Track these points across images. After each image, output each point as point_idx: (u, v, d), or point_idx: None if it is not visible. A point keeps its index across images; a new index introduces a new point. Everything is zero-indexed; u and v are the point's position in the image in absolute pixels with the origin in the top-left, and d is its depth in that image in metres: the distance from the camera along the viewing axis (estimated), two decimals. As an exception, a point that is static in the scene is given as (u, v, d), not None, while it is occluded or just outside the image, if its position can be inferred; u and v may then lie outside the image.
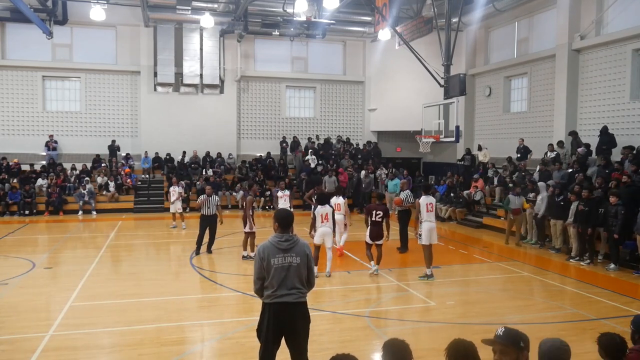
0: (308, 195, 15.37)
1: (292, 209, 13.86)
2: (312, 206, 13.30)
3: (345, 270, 11.12)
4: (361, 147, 25.47)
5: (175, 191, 16.65)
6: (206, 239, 12.65)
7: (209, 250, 12.81)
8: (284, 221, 4.90)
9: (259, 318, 4.87)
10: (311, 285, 4.95)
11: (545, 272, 11.21)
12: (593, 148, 15.52)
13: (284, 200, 13.82)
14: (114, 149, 22.56)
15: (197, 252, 12.59)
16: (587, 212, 11.68)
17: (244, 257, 12.02)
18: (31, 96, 22.54)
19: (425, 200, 10.25)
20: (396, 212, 13.96)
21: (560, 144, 16.64)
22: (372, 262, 10.54)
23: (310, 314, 4.93)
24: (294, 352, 4.83)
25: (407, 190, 13.17)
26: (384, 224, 10.47)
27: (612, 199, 11.30)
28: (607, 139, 15.05)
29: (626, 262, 11.36)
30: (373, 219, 10.35)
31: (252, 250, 11.86)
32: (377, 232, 10.41)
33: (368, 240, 10.55)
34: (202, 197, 12.99)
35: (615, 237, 11.19)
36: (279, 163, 23.76)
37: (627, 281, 10.46)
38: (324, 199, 10.64)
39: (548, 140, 17.72)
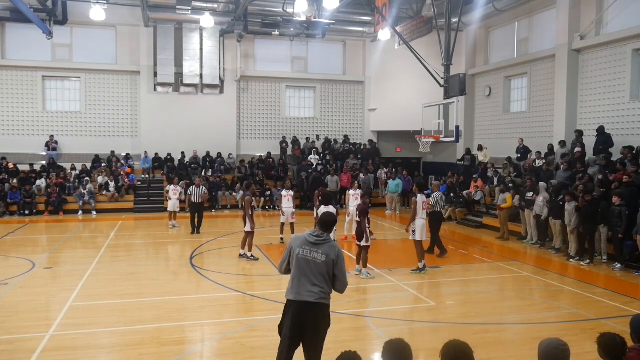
0: (315, 198, 15.12)
1: (294, 209, 13.97)
2: (315, 207, 13.32)
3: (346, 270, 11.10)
4: (361, 147, 25.47)
5: (177, 190, 16.73)
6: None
7: (197, 231, 15.45)
8: (322, 223, 5.00)
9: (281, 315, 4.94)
10: (341, 285, 4.85)
11: (545, 272, 11.21)
12: (590, 148, 15.51)
13: (287, 199, 13.85)
14: (111, 159, 22.53)
15: (192, 232, 15.47)
16: (587, 213, 11.69)
17: (240, 255, 12.05)
18: (31, 96, 22.53)
19: (421, 199, 10.72)
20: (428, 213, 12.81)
21: (562, 143, 16.64)
22: (358, 266, 10.56)
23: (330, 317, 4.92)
24: (309, 351, 4.82)
25: (439, 192, 12.56)
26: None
27: (615, 199, 11.31)
28: (604, 138, 15.05)
29: (626, 262, 11.37)
30: (356, 219, 10.51)
31: (250, 250, 11.91)
32: (358, 233, 10.43)
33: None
34: (191, 188, 15.82)
35: (620, 237, 11.22)
36: (279, 163, 23.76)
37: (627, 281, 10.46)
38: (328, 200, 10.93)
39: (548, 140, 17.73)
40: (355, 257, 10.85)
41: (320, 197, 12.19)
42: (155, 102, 23.41)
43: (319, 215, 5.28)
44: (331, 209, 10.48)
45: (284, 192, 14.06)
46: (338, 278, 4.82)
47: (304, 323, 4.73)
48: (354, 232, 13.92)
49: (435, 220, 12.34)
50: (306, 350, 4.84)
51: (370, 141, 25.73)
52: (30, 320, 7.68)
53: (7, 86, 22.23)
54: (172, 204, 16.61)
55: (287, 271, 4.94)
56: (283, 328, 4.85)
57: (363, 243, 10.28)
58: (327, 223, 4.98)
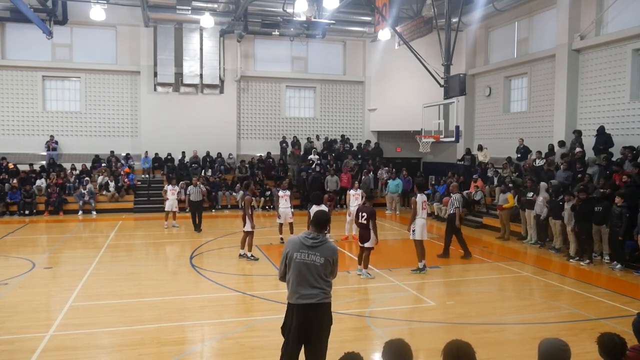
0: (324, 201, 14.75)
1: (292, 209, 13.99)
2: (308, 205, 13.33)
3: (346, 270, 11.11)
4: (361, 147, 25.48)
5: (175, 190, 16.75)
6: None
7: (198, 230, 15.76)
8: (316, 221, 4.97)
9: (284, 316, 4.96)
10: (333, 276, 5.03)
11: (545, 272, 11.21)
12: (589, 148, 15.50)
13: (284, 200, 13.85)
14: (110, 159, 22.55)
15: (195, 229, 15.78)
16: (583, 212, 11.72)
17: (240, 255, 12.05)
18: (31, 96, 22.53)
19: (421, 199, 10.65)
20: (446, 216, 13.00)
21: (562, 143, 16.65)
22: (360, 266, 10.56)
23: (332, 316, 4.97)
24: (313, 352, 4.83)
25: (457, 194, 12.43)
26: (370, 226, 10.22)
27: (618, 200, 11.32)
28: (604, 138, 15.05)
29: (626, 261, 11.37)
30: (359, 221, 10.35)
31: (250, 250, 11.91)
32: (362, 235, 10.36)
33: (359, 242, 10.58)
34: (190, 187, 16.22)
35: (619, 239, 11.22)
36: (279, 163, 23.76)
37: (627, 281, 10.46)
38: (319, 199, 11.04)
39: (548, 140, 17.73)
40: (357, 258, 10.83)
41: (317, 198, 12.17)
42: (155, 102, 23.41)
43: (312, 214, 5.25)
44: (323, 207, 10.50)
45: (280, 193, 14.05)
46: (331, 272, 4.99)
47: (308, 324, 4.75)
48: (354, 232, 14.00)
49: (451, 221, 12.23)
50: (310, 351, 4.84)
51: (368, 141, 25.75)
52: (30, 320, 7.68)
53: (7, 86, 22.23)
54: (170, 204, 16.61)
55: (285, 279, 4.96)
56: (286, 330, 4.86)
57: (367, 245, 10.27)
58: (321, 222, 4.96)
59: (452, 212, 12.22)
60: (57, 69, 22.77)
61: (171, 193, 16.69)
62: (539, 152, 17.32)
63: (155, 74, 23.25)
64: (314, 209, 10.45)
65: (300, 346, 4.86)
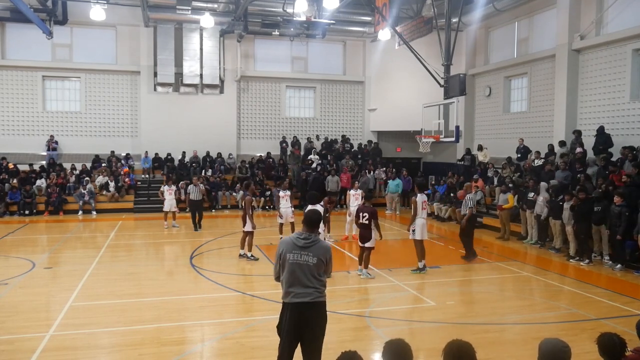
0: (325, 203, 14.68)
1: (292, 209, 13.99)
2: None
3: (346, 270, 11.12)
4: (361, 147, 25.48)
5: (172, 190, 16.76)
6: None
7: (199, 227, 16.04)
8: (307, 220, 4.97)
9: (279, 315, 4.96)
10: (327, 275, 5.00)
11: (545, 272, 11.21)
12: (589, 148, 15.50)
13: (285, 200, 13.86)
14: (110, 159, 22.55)
15: (195, 229, 15.97)
16: (582, 212, 11.73)
17: (240, 255, 12.06)
18: (31, 96, 22.53)
19: (421, 199, 10.64)
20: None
21: (562, 143, 16.64)
22: (360, 267, 10.56)
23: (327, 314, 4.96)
24: (309, 350, 4.84)
25: (471, 194, 12.29)
26: (372, 226, 10.21)
27: (617, 199, 11.32)
28: (603, 138, 15.05)
29: (627, 262, 11.37)
30: (360, 221, 10.33)
31: (250, 250, 11.91)
32: (363, 235, 10.34)
33: (359, 242, 10.58)
34: (190, 187, 16.51)
35: (618, 238, 11.23)
36: (279, 163, 23.77)
37: (627, 281, 10.46)
38: (315, 199, 11.01)
39: (548, 140, 17.73)
40: (357, 258, 10.83)
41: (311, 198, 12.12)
42: (155, 102, 23.41)
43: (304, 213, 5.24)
44: (318, 207, 10.49)
45: (281, 193, 14.06)
46: (325, 271, 4.97)
47: (302, 323, 4.77)
48: (354, 232, 13.99)
49: (467, 221, 12.10)
50: (306, 350, 4.85)
51: (370, 141, 25.76)
52: (30, 320, 7.68)
53: (7, 86, 22.23)
54: (168, 204, 16.59)
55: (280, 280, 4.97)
56: (283, 330, 4.87)
57: (368, 245, 10.27)
58: (312, 221, 4.95)
59: (466, 212, 12.17)
60: (57, 69, 22.77)
61: (168, 193, 16.67)
62: (538, 152, 17.32)
63: (155, 74, 23.25)
64: (309, 208, 10.44)
65: (296, 345, 4.88)
